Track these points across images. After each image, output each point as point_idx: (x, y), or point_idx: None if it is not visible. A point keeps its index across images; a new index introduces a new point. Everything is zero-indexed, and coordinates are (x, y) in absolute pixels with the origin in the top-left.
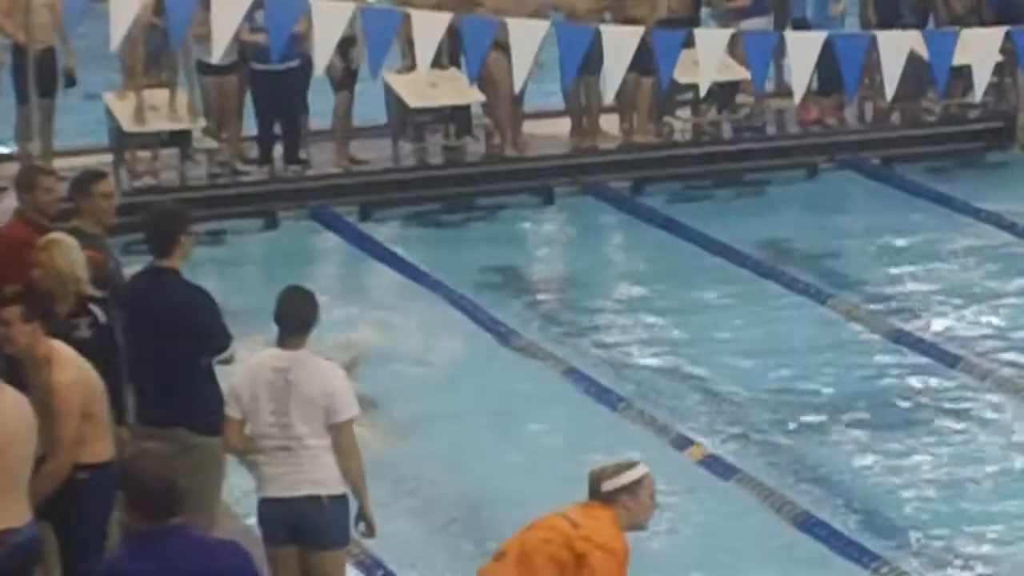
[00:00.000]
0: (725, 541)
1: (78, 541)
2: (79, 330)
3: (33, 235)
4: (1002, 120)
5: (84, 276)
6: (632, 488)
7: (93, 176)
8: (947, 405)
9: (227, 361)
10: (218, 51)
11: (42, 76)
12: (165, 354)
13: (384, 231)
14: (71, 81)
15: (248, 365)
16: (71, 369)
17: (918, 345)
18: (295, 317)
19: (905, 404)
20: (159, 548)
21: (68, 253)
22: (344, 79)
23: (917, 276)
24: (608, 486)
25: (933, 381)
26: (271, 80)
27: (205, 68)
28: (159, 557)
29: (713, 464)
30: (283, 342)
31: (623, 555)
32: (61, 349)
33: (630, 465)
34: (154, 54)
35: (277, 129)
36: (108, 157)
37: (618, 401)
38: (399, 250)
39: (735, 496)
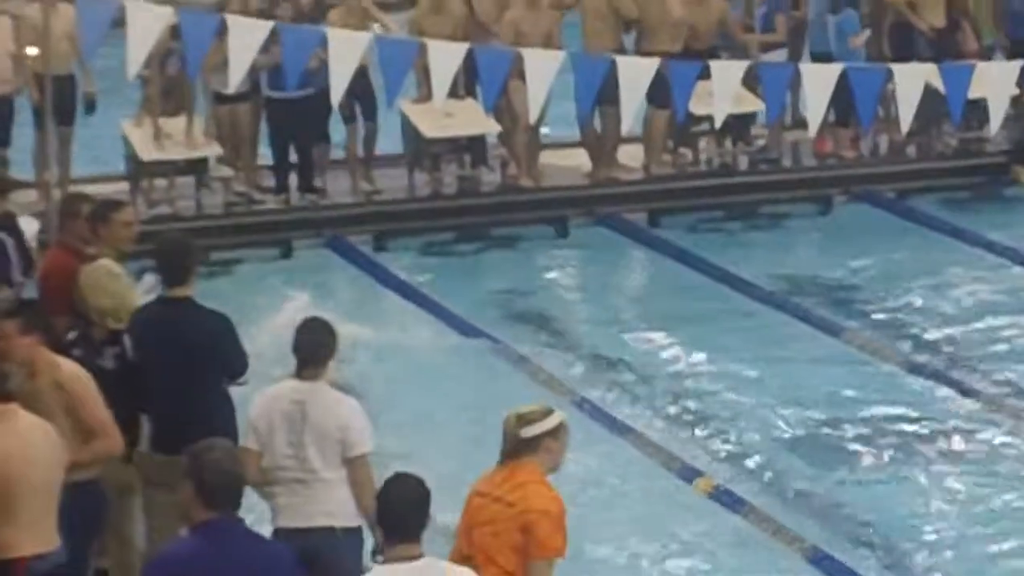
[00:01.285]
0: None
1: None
2: (104, 359)
3: (76, 263)
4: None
5: (109, 306)
6: (555, 432)
7: (113, 204)
8: (963, 438)
9: (241, 383)
10: (235, 80)
11: (60, 104)
12: (186, 380)
13: (399, 261)
14: (91, 107)
15: (265, 397)
16: (73, 365)
17: (934, 378)
18: (313, 348)
19: (920, 437)
20: (219, 537)
21: (98, 281)
22: (357, 111)
23: (932, 309)
24: (529, 432)
25: (949, 414)
26: (286, 108)
27: (218, 97)
28: (219, 546)
29: (722, 497)
30: (300, 373)
31: (558, 512)
32: (61, 358)
33: (548, 411)
34: (171, 82)
35: (293, 157)
36: (124, 185)
37: (628, 431)
38: (414, 280)
39: (743, 529)
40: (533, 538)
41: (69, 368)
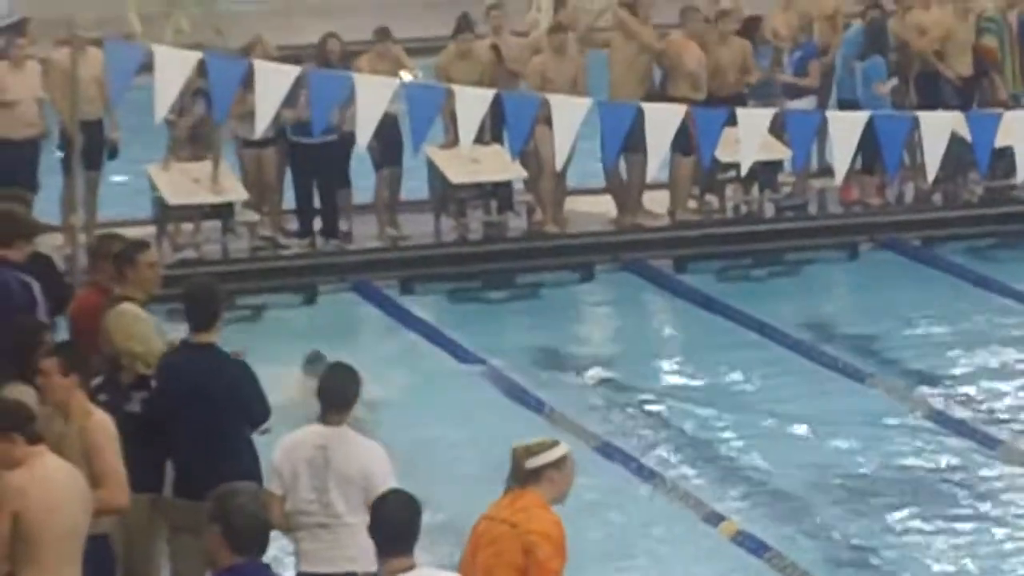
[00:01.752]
0: None
1: None
2: (131, 403)
3: (107, 304)
4: None
5: (140, 351)
6: (559, 464)
7: (137, 246)
8: (986, 488)
9: (264, 432)
10: (261, 126)
11: (88, 148)
12: (208, 428)
13: (425, 306)
14: (113, 153)
15: (288, 441)
16: (103, 415)
17: (958, 427)
18: (337, 393)
19: (944, 486)
20: None
21: (127, 326)
22: (383, 156)
23: (957, 357)
24: (533, 463)
25: (973, 463)
26: (309, 153)
27: (244, 141)
28: None
29: (746, 541)
30: (325, 418)
31: (559, 537)
32: (94, 407)
33: (553, 443)
34: (197, 125)
35: (317, 202)
36: (151, 229)
37: (652, 475)
38: (439, 325)
39: (767, 574)
40: (534, 559)
41: (98, 417)
